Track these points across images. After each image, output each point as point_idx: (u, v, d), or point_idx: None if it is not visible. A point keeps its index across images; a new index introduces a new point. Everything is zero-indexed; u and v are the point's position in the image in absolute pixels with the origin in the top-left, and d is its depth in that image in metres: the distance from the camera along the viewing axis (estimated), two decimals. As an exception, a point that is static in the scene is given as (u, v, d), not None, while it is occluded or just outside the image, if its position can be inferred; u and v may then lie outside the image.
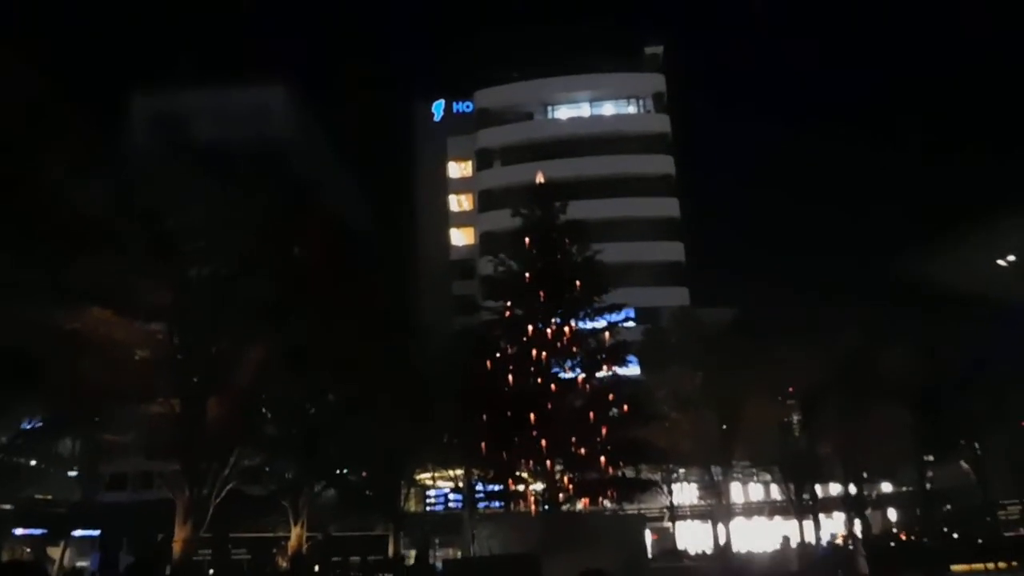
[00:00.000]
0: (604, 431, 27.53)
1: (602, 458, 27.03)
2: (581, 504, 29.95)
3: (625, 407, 27.59)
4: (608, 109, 67.05)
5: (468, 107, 70.66)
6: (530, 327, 28.03)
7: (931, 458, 50.37)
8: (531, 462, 27.95)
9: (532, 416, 27.12)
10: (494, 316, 30.08)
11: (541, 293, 28.31)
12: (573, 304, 28.46)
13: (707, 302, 55.61)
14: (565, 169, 51.71)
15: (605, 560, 23.38)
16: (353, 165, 72.61)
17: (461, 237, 69.22)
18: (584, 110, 66.91)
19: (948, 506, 53.46)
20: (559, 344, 27.97)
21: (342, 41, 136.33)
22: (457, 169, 71.15)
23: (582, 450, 27.45)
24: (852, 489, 51.89)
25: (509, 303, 29.29)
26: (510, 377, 28.29)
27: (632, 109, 66.83)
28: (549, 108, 67.33)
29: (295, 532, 36.77)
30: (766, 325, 45.42)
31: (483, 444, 28.42)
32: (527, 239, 29.16)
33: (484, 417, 28.42)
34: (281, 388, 32.53)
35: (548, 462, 27.38)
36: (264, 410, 33.43)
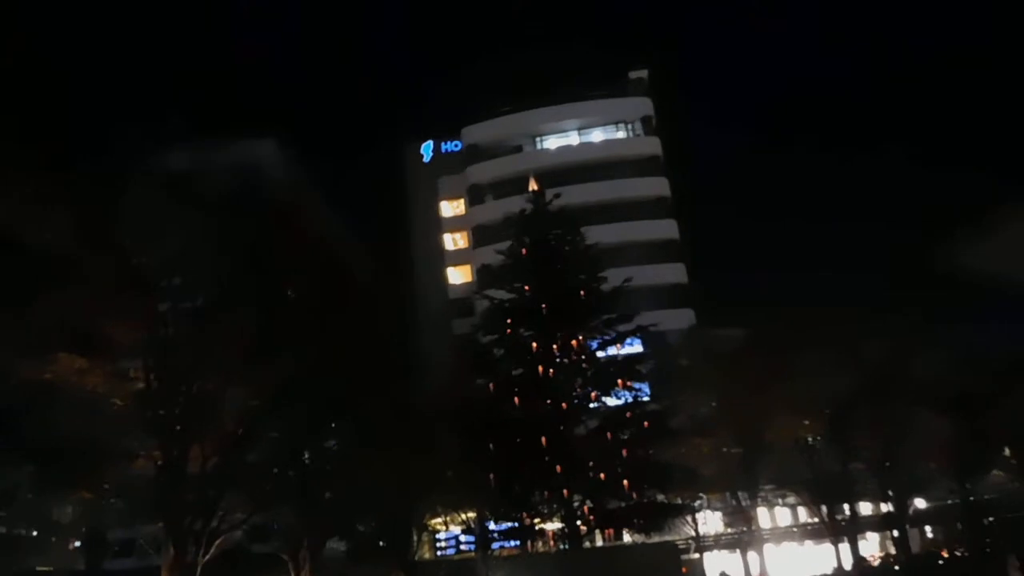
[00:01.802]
0: (624, 453, 24.42)
1: (625, 482, 23.83)
2: (602, 537, 26.73)
3: (646, 424, 24.42)
4: (597, 136, 64.77)
5: (456, 145, 68.57)
6: (534, 344, 25.01)
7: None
8: (546, 492, 24.69)
9: (543, 441, 24.07)
10: (494, 338, 26.97)
11: (544, 306, 25.37)
12: (578, 315, 25.41)
13: (714, 323, 52.73)
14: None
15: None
16: (346, 211, 70.19)
17: (458, 275, 66.64)
18: (573, 138, 64.68)
19: (991, 518, 49.57)
20: (567, 360, 24.93)
21: (327, 88, 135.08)
22: (450, 208, 68.81)
23: (601, 475, 24.31)
24: (886, 507, 48.46)
25: (510, 320, 26.27)
26: (516, 400, 25.26)
27: (621, 134, 64.65)
28: (537, 139, 65.02)
29: (296, 587, 33.40)
30: (782, 341, 42.44)
31: (492, 476, 25.28)
32: (523, 249, 26.22)
33: (491, 447, 25.34)
34: (272, 432, 29.45)
35: (565, 491, 24.14)
36: (254, 457, 30.02)
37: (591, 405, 25.10)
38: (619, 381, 25.06)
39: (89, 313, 26.20)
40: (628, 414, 24.84)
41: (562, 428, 24.49)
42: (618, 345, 25.59)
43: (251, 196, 33.74)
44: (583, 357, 25.11)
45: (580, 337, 25.23)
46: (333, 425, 34.23)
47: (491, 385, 25.87)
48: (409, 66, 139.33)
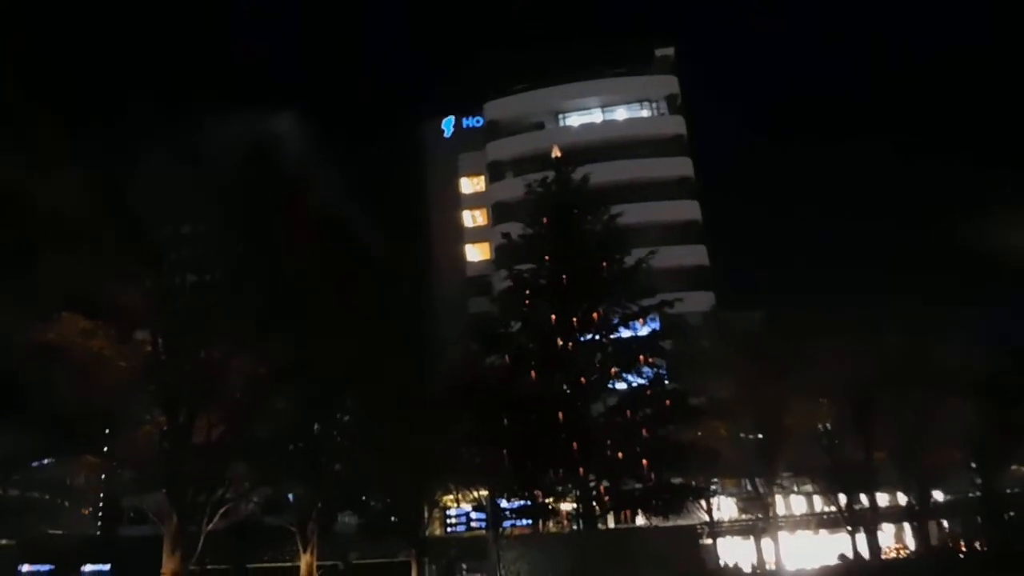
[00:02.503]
0: (644, 432, 23.14)
1: (644, 462, 22.55)
2: (616, 519, 25.52)
3: (667, 402, 23.08)
4: (620, 114, 63.00)
5: (478, 122, 67.12)
6: (553, 317, 23.70)
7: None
8: (560, 471, 23.46)
9: (560, 418, 22.84)
10: (511, 311, 25.63)
11: (564, 277, 24.04)
12: (599, 288, 24.05)
13: (734, 306, 51.27)
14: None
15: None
16: (365, 186, 69.11)
17: (476, 253, 65.38)
18: (596, 116, 63.00)
19: (1011, 513, 47.90)
20: (587, 335, 23.62)
21: (349, 60, 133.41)
22: (470, 185, 67.48)
23: (619, 454, 23.04)
24: (903, 498, 47.05)
25: (528, 293, 24.95)
26: (532, 375, 24.01)
27: (645, 113, 62.91)
28: (560, 116, 63.42)
29: (304, 560, 32.48)
30: (804, 325, 40.92)
31: (505, 453, 24.08)
32: (544, 218, 24.86)
33: (505, 423, 24.13)
34: (280, 404, 28.39)
35: (580, 470, 22.89)
36: (261, 429, 28.92)
37: (610, 383, 23.74)
38: (640, 358, 23.70)
39: (95, 276, 25.35)
40: (648, 392, 23.48)
41: (579, 405, 23.22)
42: (640, 320, 24.18)
43: (265, 169, 32.81)
44: (603, 332, 23.74)
45: (600, 311, 23.85)
46: (344, 399, 33.24)
47: (507, 359, 24.57)
48: (431, 44, 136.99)
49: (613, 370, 23.56)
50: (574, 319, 23.61)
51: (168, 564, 24.56)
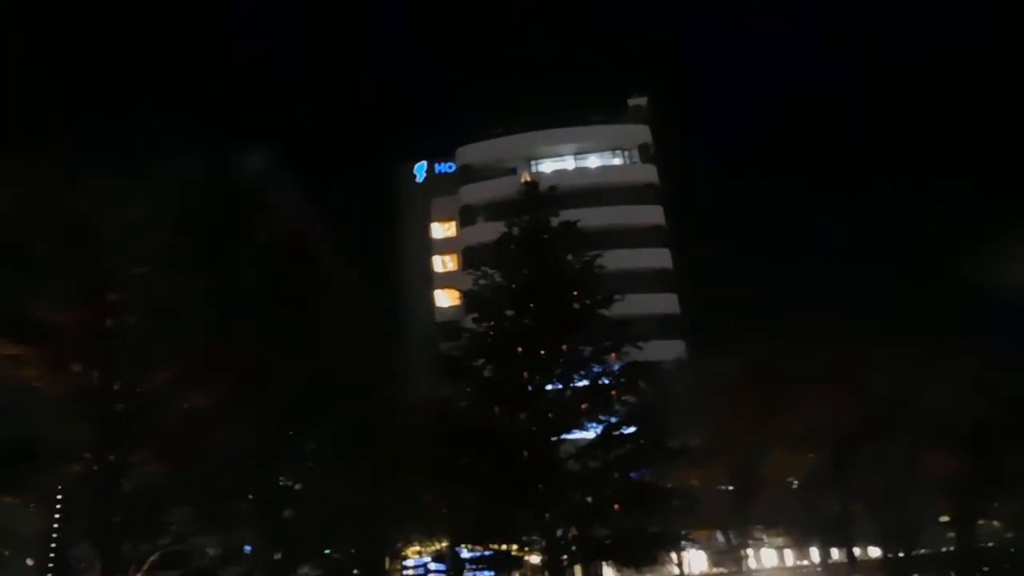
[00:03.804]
0: (616, 475, 20.90)
1: (616, 506, 20.24)
2: (584, 572, 23.06)
3: (642, 441, 20.87)
4: (593, 162, 61.97)
5: (450, 167, 65.77)
6: (519, 347, 21.56)
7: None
8: (526, 516, 21.02)
9: (525, 457, 20.57)
10: (474, 341, 23.37)
11: (531, 306, 21.96)
12: (571, 318, 21.96)
13: (705, 355, 49.52)
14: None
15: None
16: (335, 228, 67.07)
17: (446, 299, 63.34)
18: (569, 163, 61.87)
19: (985, 568, 45.74)
20: (555, 367, 21.46)
21: (320, 103, 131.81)
22: (441, 230, 65.89)
23: (589, 498, 20.74)
24: (875, 551, 44.88)
25: (493, 323, 22.80)
26: (496, 410, 21.76)
27: (618, 161, 61.90)
28: (533, 163, 62.01)
29: (251, 616, 29.47)
30: (777, 374, 39.19)
31: (466, 495, 21.68)
32: (512, 245, 22.87)
33: (466, 462, 21.78)
34: (227, 441, 25.65)
35: (547, 515, 20.49)
36: (204, 469, 25.97)
37: (580, 421, 21.49)
38: (613, 393, 21.52)
39: (26, 296, 22.89)
40: (621, 431, 21.28)
41: (547, 444, 20.91)
42: (613, 356, 22.09)
43: (221, 189, 30.74)
44: (573, 367, 21.58)
45: (571, 344, 21.74)
46: (299, 439, 30.64)
47: (471, 393, 22.31)
48: (405, 77, 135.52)
49: (583, 406, 21.31)
50: (542, 351, 21.43)
51: (89, 618, 21.65)
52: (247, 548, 32.53)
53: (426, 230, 65.90)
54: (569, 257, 22.64)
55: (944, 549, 46.48)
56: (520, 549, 22.04)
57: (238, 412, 24.55)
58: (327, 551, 41.66)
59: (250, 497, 27.99)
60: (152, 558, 23.17)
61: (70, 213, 23.73)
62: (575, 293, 22.00)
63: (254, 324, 26.07)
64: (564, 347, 21.49)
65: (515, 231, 23.09)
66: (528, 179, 24.63)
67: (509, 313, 22.41)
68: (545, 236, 22.65)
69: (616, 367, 21.82)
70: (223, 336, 24.48)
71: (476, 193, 61.15)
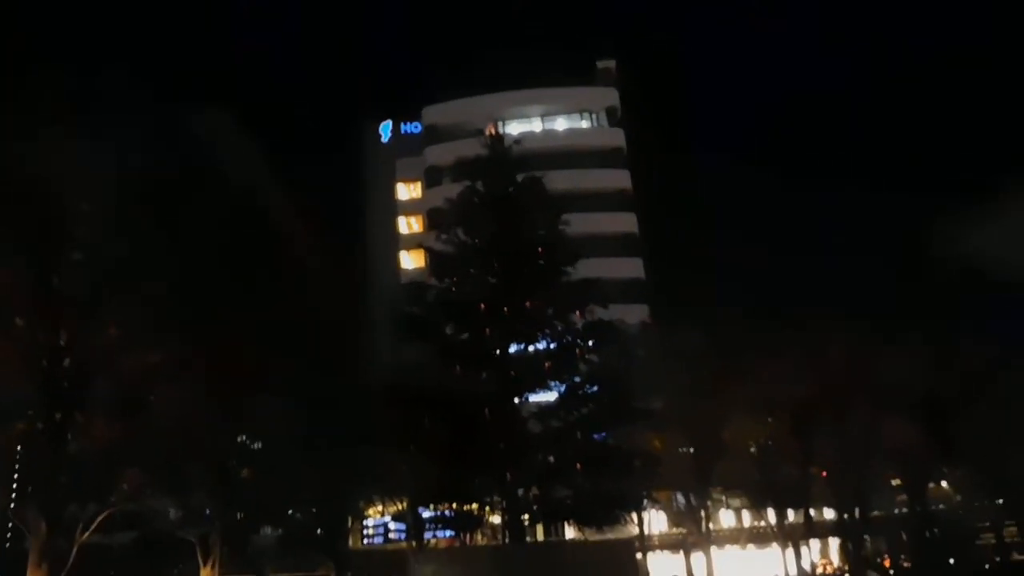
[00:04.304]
0: (579, 435, 20.40)
1: (578, 466, 19.77)
2: (546, 532, 22.66)
3: (608, 400, 20.35)
4: (561, 124, 60.94)
5: (416, 128, 64.34)
6: (482, 305, 20.83)
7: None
8: (486, 477, 20.46)
9: (487, 417, 19.97)
10: (436, 300, 22.55)
11: (495, 263, 21.21)
12: (535, 276, 21.25)
13: (670, 321, 49.23)
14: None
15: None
16: (296, 187, 65.43)
17: (412, 260, 62.25)
18: (536, 125, 60.73)
19: (935, 529, 46.57)
20: (519, 326, 20.79)
21: (287, 62, 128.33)
22: (406, 191, 64.59)
23: (551, 458, 20.25)
24: (831, 514, 45.44)
25: (455, 279, 22.01)
26: (457, 369, 21.08)
27: (585, 124, 60.95)
28: (500, 124, 61.04)
29: (205, 574, 28.76)
30: (742, 341, 39.12)
31: (426, 457, 21.06)
32: (475, 198, 21.99)
33: (425, 422, 21.12)
34: (178, 400, 24.68)
35: (508, 475, 19.95)
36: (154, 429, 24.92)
37: (544, 380, 20.88)
38: (577, 352, 20.93)
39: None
40: (586, 390, 20.74)
41: (509, 404, 20.30)
42: (577, 314, 21.46)
43: (174, 146, 29.44)
44: (537, 324, 20.91)
45: (535, 301, 21.04)
46: (255, 398, 29.78)
47: (432, 353, 21.56)
48: (372, 36, 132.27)
49: (547, 365, 20.70)
50: (505, 309, 20.72)
51: (33, 581, 20.73)
52: (208, 510, 31.85)
53: (391, 191, 64.54)
54: (534, 214, 21.85)
55: (896, 512, 47.27)
56: (480, 509, 21.49)
57: (190, 371, 23.67)
58: (290, 511, 41.19)
59: (200, 455, 27.16)
60: (100, 519, 22.33)
61: (15, 169, 22.42)
62: (539, 250, 21.24)
63: (207, 282, 25.05)
64: (528, 305, 20.79)
65: (479, 186, 22.19)
66: (493, 132, 23.62)
67: (472, 271, 21.62)
68: (510, 190, 21.81)
69: (580, 326, 21.19)
70: (174, 293, 23.48)
71: (442, 154, 59.82)
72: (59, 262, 22.35)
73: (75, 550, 21.74)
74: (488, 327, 20.75)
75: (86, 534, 22.07)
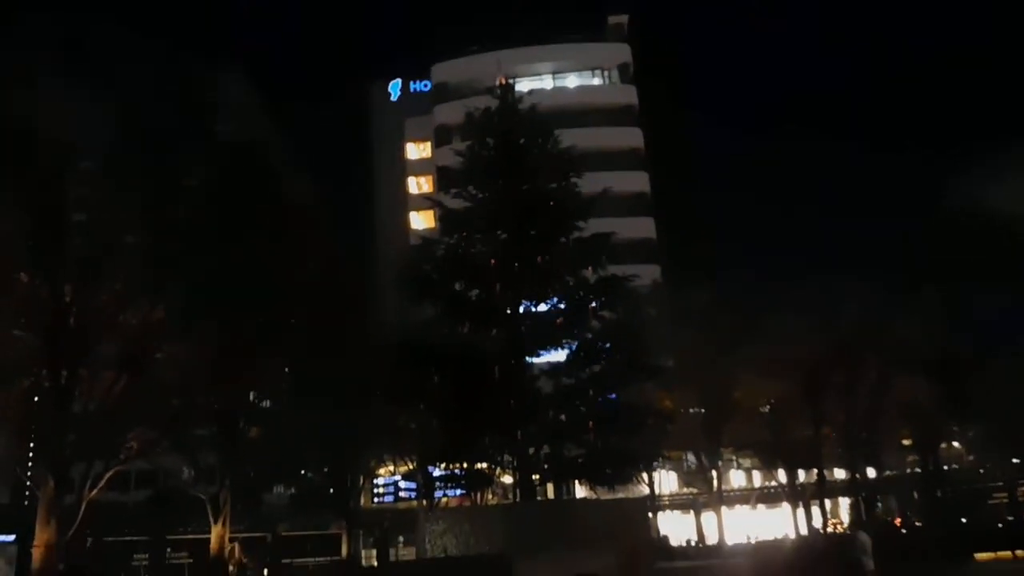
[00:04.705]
0: (591, 392, 19.86)
1: (590, 425, 19.28)
2: (557, 490, 22.27)
3: (621, 356, 19.76)
4: (572, 81, 59.50)
5: (426, 86, 63.07)
6: (492, 260, 20.19)
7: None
8: (496, 436, 19.99)
9: (497, 375, 19.45)
10: (445, 257, 21.89)
11: (505, 218, 20.44)
12: (547, 231, 20.52)
13: (681, 281, 48.55)
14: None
15: (600, 561, 15.77)
16: (305, 148, 64.52)
17: (421, 221, 61.46)
18: (547, 82, 59.35)
19: (947, 488, 46.20)
20: (530, 282, 20.13)
21: (293, 20, 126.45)
22: (416, 150, 63.56)
23: (562, 416, 19.75)
24: (841, 474, 45.13)
25: (465, 234, 21.33)
26: (467, 326, 20.50)
27: (597, 81, 59.58)
28: (511, 81, 59.83)
29: (215, 532, 28.58)
30: (754, 302, 38.53)
31: (436, 415, 20.61)
32: (485, 152, 21.21)
33: (435, 380, 20.63)
34: (184, 357, 24.16)
35: (518, 434, 19.47)
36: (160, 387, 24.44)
37: (555, 337, 20.27)
38: (589, 308, 20.30)
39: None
40: (600, 345, 20.14)
41: (519, 361, 19.74)
42: (589, 269, 20.80)
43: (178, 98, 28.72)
44: (548, 279, 20.25)
45: (546, 255, 20.36)
46: (263, 356, 29.26)
47: (440, 310, 20.96)
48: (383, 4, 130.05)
49: (558, 321, 20.09)
50: (516, 265, 20.06)
51: (41, 535, 20.42)
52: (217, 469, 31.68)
53: (401, 151, 63.57)
54: (545, 166, 21.06)
55: (908, 471, 46.91)
56: (491, 468, 21.08)
57: (194, 329, 23.15)
58: (303, 472, 41.12)
59: (208, 413, 26.78)
60: (107, 476, 22.04)
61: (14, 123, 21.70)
62: (550, 203, 20.51)
63: (212, 239, 24.34)
64: (539, 260, 20.12)
65: (489, 138, 21.40)
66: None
67: (482, 226, 20.92)
68: (521, 142, 21.01)
69: (592, 282, 20.52)
70: (179, 248, 22.86)
71: (451, 112, 58.62)
72: (61, 218, 21.66)
73: (83, 507, 21.46)
74: (498, 283, 20.11)
75: (94, 491, 21.76)
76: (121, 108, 23.52)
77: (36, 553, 20.47)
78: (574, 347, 20.06)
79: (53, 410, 20.86)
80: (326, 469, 39.59)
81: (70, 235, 21.60)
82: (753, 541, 38.85)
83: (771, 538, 39.77)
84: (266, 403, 35.57)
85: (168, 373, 23.29)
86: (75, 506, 21.37)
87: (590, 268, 20.61)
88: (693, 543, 41.64)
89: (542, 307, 20.81)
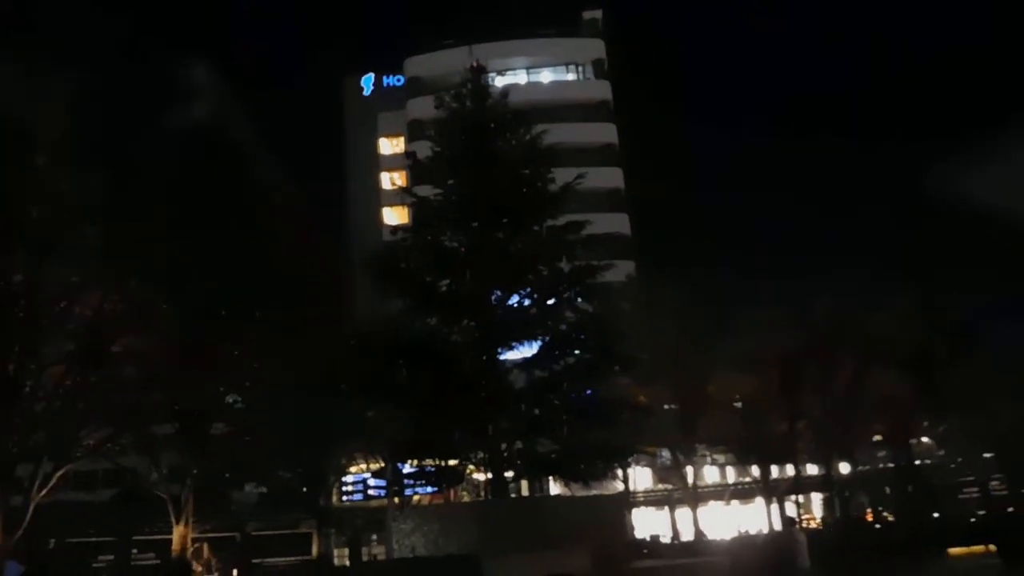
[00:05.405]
0: (565, 385, 19.02)
1: (564, 418, 18.43)
2: (531, 487, 21.41)
3: (597, 347, 18.92)
4: (546, 76, 58.80)
5: (399, 80, 62.01)
6: (462, 249, 19.27)
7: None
8: (468, 430, 19.07)
9: (466, 368, 18.55)
10: (414, 245, 20.91)
11: (477, 205, 19.54)
12: (518, 217, 19.64)
13: (656, 276, 48.01)
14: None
15: (574, 560, 14.95)
16: (276, 141, 63.10)
17: (394, 216, 60.37)
18: (521, 78, 58.56)
19: (918, 483, 45.98)
20: (501, 271, 19.22)
21: (267, 14, 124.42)
22: (389, 146, 62.48)
23: (535, 410, 18.88)
24: (814, 469, 44.82)
25: (435, 224, 20.36)
26: (437, 318, 19.57)
27: (571, 76, 58.87)
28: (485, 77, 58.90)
29: (177, 532, 27.45)
30: (730, 297, 38.14)
31: (404, 409, 19.65)
32: (455, 136, 20.29)
33: (404, 373, 19.68)
34: (141, 350, 22.90)
35: (489, 428, 18.56)
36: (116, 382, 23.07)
37: (528, 327, 19.39)
38: (564, 298, 19.42)
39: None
40: (574, 336, 19.28)
41: (490, 353, 18.83)
42: (564, 258, 19.94)
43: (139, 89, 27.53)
44: (521, 266, 19.36)
45: (519, 244, 19.48)
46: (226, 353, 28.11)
47: (408, 301, 19.98)
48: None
49: (532, 311, 19.21)
50: (486, 251, 19.13)
51: (-15, 539, 19.24)
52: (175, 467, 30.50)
53: (374, 145, 62.48)
54: (517, 149, 20.19)
55: (880, 467, 46.68)
56: (461, 464, 20.14)
57: (154, 321, 21.97)
58: (272, 469, 39.90)
59: (171, 413, 25.57)
60: (57, 476, 20.74)
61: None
62: (523, 190, 19.63)
63: (175, 226, 23.20)
64: (511, 248, 19.23)
65: (460, 123, 20.47)
66: (475, 65, 21.81)
67: (452, 213, 19.97)
68: (492, 126, 20.10)
69: (567, 271, 19.66)
70: (139, 237, 21.70)
71: (424, 107, 57.57)
72: (9, 198, 20.35)
73: (31, 509, 20.16)
74: (469, 272, 19.19)
75: (43, 492, 20.49)
76: (79, 90, 22.33)
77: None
78: (547, 339, 19.17)
79: (-1, 405, 19.62)
80: (299, 469, 38.51)
81: (19, 219, 20.32)
82: (728, 537, 38.32)
83: (746, 534, 39.27)
84: (232, 398, 34.41)
85: (125, 366, 22.07)
86: (24, 507, 20.07)
87: (564, 258, 19.73)
88: (668, 540, 41.03)
89: (514, 298, 19.92)
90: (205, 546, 37.40)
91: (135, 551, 44.44)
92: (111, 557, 43.73)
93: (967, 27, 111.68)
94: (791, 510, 44.77)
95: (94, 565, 43.24)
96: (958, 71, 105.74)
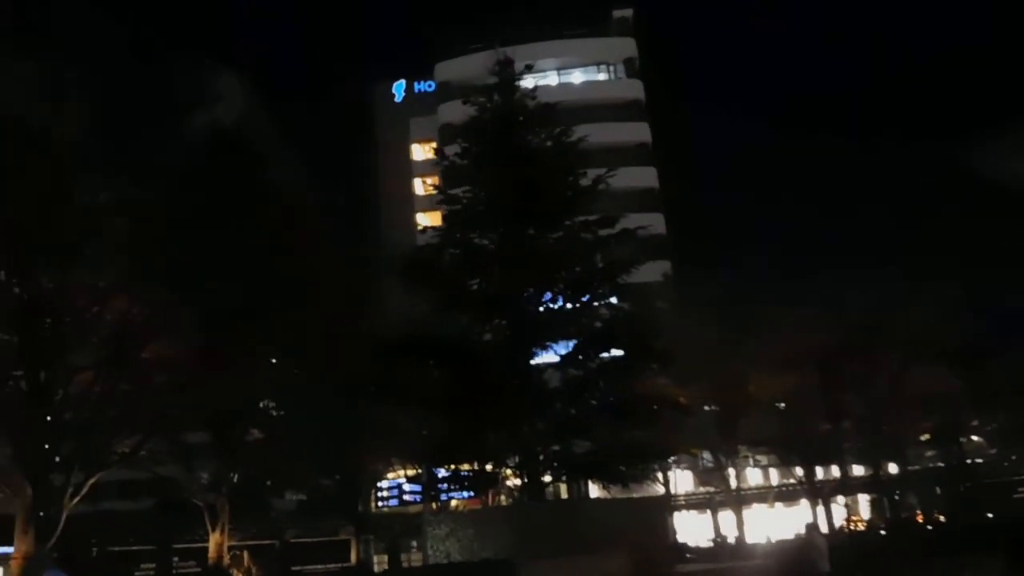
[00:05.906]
0: (601, 383, 18.27)
1: (600, 419, 17.67)
2: (568, 490, 20.68)
3: (633, 342, 18.13)
4: (576, 77, 58.01)
5: (430, 86, 61.69)
6: (493, 246, 18.62)
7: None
8: (501, 433, 18.40)
9: (500, 366, 17.90)
10: (443, 244, 20.34)
11: (508, 203, 18.87)
12: (550, 213, 18.96)
13: (691, 277, 46.95)
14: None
15: (612, 564, 14.25)
16: (310, 150, 63.29)
17: (428, 221, 60.02)
18: (552, 79, 57.86)
19: (967, 483, 44.18)
20: (533, 269, 18.53)
21: (298, 23, 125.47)
22: (421, 151, 62.15)
23: (571, 410, 18.15)
24: (860, 470, 43.29)
25: (465, 220, 19.76)
26: (469, 319, 18.94)
27: (602, 76, 58.00)
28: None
29: (213, 539, 27.13)
30: (767, 295, 36.92)
31: (434, 411, 19.06)
32: (486, 134, 19.69)
33: (435, 375, 19.09)
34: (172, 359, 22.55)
35: (525, 429, 17.86)
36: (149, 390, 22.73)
37: (562, 326, 18.68)
38: (598, 293, 18.67)
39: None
40: (609, 332, 18.51)
41: (523, 353, 18.15)
42: (597, 255, 19.19)
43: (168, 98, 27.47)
44: (553, 264, 18.66)
45: (551, 241, 18.78)
46: (259, 357, 27.77)
47: (440, 300, 19.40)
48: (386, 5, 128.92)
49: (565, 308, 18.48)
50: (518, 249, 18.46)
51: (20, 546, 18.96)
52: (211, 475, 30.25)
53: (406, 151, 62.21)
54: (548, 144, 19.52)
55: (931, 466, 45.01)
56: (496, 468, 19.48)
57: (185, 327, 21.64)
58: (311, 476, 39.64)
59: (204, 421, 25.27)
60: (89, 484, 20.47)
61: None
62: (554, 183, 18.93)
63: (205, 235, 22.86)
64: (543, 245, 18.54)
65: (487, 115, 19.88)
66: (504, 58, 21.22)
67: (481, 208, 19.36)
68: (521, 119, 19.48)
69: (600, 266, 18.91)
70: (163, 236, 21.39)
71: (455, 111, 57.17)
72: (35, 206, 20.15)
73: (64, 517, 19.88)
74: (500, 270, 18.55)
75: (75, 501, 20.23)
76: (103, 95, 22.22)
77: (14, 565, 18.94)
78: (581, 337, 18.43)
79: (32, 414, 19.40)
80: (338, 476, 38.19)
81: (45, 224, 20.12)
82: (772, 540, 37.10)
83: (790, 536, 37.96)
84: (265, 403, 34.16)
85: (155, 373, 21.80)
86: (56, 516, 19.78)
87: (597, 254, 18.99)
88: (717, 542, 39.88)
89: (547, 296, 19.24)
90: (245, 553, 37.18)
91: (176, 559, 44.52)
92: (152, 565, 43.88)
93: (967, 27, 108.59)
94: (838, 512, 43.37)
95: (136, 573, 43.42)
96: (958, 71, 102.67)
